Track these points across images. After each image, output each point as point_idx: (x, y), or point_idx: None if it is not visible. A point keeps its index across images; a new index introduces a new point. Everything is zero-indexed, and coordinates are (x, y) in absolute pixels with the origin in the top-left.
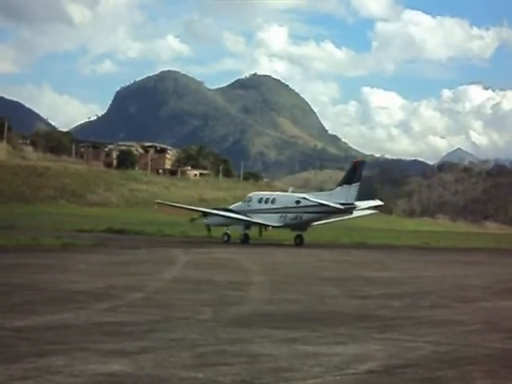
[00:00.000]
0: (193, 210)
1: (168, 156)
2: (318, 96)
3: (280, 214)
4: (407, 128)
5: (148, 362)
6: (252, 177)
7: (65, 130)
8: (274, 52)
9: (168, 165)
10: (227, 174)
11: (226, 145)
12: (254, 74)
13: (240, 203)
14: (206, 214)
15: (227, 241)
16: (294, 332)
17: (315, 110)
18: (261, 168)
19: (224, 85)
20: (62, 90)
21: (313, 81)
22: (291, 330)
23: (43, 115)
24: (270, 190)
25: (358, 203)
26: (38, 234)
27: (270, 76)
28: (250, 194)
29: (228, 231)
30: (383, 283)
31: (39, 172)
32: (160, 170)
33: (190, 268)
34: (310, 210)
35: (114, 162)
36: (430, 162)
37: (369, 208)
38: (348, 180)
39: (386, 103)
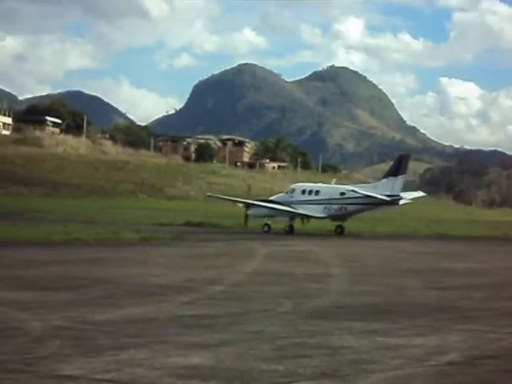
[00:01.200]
0: (239, 201)
1: (246, 149)
2: (396, 87)
3: (324, 206)
4: (486, 118)
5: (228, 354)
6: (330, 169)
7: (143, 124)
8: (350, 44)
9: (246, 158)
10: (305, 166)
11: (303, 137)
12: (332, 66)
13: (282, 194)
14: (248, 206)
15: (267, 231)
16: (374, 324)
17: (393, 101)
18: (339, 160)
19: (301, 77)
20: (140, 84)
21: (390, 72)
22: (371, 321)
23: (122, 109)
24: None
25: (402, 194)
26: (117, 227)
27: (347, 68)
28: (292, 186)
29: (268, 222)
30: (463, 274)
31: (118, 166)
32: (238, 163)
33: (268, 260)
34: (356, 201)
35: (193, 155)
36: (510, 152)
37: (413, 199)
38: (394, 172)
39: (465, 93)
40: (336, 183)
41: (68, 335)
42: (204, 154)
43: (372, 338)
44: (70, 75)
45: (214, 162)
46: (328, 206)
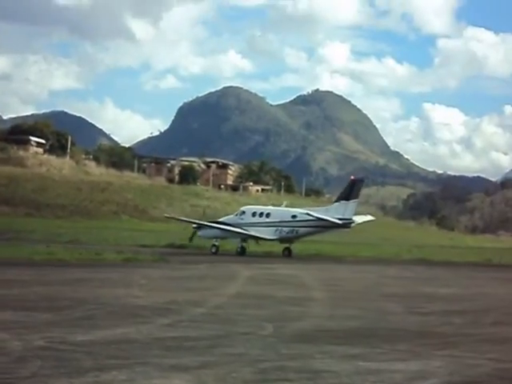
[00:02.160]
0: (193, 222)
1: (230, 172)
2: (380, 112)
3: (276, 228)
4: (469, 144)
5: (209, 377)
6: (314, 193)
7: (127, 145)
8: (335, 68)
9: (230, 180)
10: (289, 189)
11: (287, 160)
12: (316, 90)
13: (231, 216)
14: (200, 227)
15: (215, 252)
16: (355, 348)
17: (377, 126)
18: (322, 184)
19: (286, 100)
20: (125, 105)
21: (374, 97)
22: (352, 346)
23: (106, 130)
24: None
25: (354, 218)
26: (100, 248)
27: (331, 92)
28: (242, 208)
29: (216, 243)
30: (444, 300)
31: (102, 187)
32: (222, 186)
33: (251, 283)
34: (308, 224)
35: (176, 177)
36: (493, 179)
37: (363, 222)
38: (346, 196)
39: (448, 119)
40: (286, 206)
41: (49, 356)
42: (188, 176)
43: (353, 363)
44: (54, 95)
45: (198, 184)
46: (279, 228)
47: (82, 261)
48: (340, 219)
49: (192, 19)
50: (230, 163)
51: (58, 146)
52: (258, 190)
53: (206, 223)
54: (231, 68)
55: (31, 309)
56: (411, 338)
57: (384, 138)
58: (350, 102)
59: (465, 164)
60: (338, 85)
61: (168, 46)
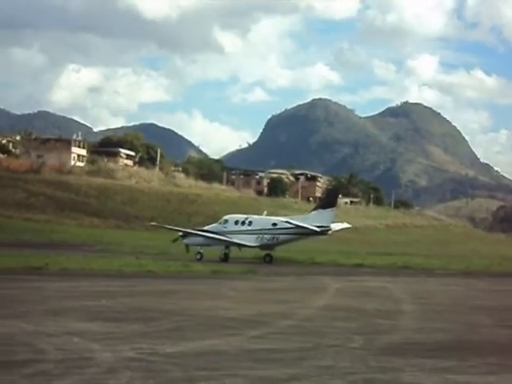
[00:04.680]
0: (177, 230)
1: (318, 184)
2: (469, 124)
3: (257, 235)
4: None
5: None
6: (403, 205)
7: (216, 157)
8: (424, 80)
9: (318, 192)
10: (378, 202)
11: (376, 173)
12: (405, 102)
13: (215, 225)
14: (185, 235)
15: (200, 259)
16: (445, 361)
17: (466, 138)
18: (411, 196)
19: (375, 113)
20: (213, 117)
21: (463, 109)
22: (442, 359)
23: (195, 142)
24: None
25: (331, 225)
26: (188, 260)
27: (420, 104)
28: (225, 217)
29: (201, 250)
30: None
31: (191, 199)
32: (310, 198)
33: (339, 295)
34: (287, 231)
35: (265, 189)
36: None
37: (340, 230)
38: (323, 205)
39: None
40: (267, 215)
41: (139, 367)
42: (276, 188)
43: (443, 376)
44: (143, 108)
45: (287, 196)
46: (260, 235)
47: (170, 273)
48: (318, 227)
49: (280, 32)
50: (319, 175)
51: (147, 158)
52: (346, 203)
53: (191, 231)
54: (319, 80)
55: (120, 320)
56: (501, 351)
57: (473, 150)
58: (439, 114)
59: None
60: (426, 97)
61: (256, 59)
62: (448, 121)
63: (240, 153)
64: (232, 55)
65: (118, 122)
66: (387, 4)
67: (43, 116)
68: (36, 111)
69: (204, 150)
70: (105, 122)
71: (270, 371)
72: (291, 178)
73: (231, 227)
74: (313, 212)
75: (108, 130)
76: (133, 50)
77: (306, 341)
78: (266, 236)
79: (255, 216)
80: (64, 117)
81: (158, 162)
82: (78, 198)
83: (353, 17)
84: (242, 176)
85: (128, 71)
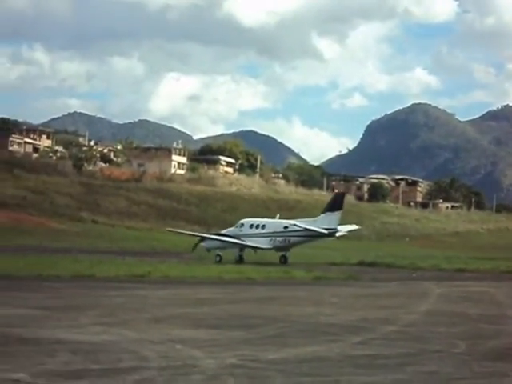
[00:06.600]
0: (196, 235)
1: (419, 189)
2: None
3: (270, 238)
4: None
5: None
6: (505, 209)
7: (316, 163)
8: None
9: (419, 197)
10: (479, 206)
11: (477, 177)
12: (506, 106)
13: (232, 228)
14: (203, 239)
15: (219, 261)
16: None
17: None
18: None
19: (475, 116)
20: (313, 123)
21: None
22: None
23: (294, 149)
24: None
25: (338, 227)
26: (289, 267)
27: None
28: (241, 221)
29: (220, 253)
30: None
31: (290, 205)
32: (411, 203)
33: (442, 301)
34: (297, 234)
35: (365, 194)
36: None
37: (348, 231)
38: (330, 209)
39: None
40: (280, 218)
41: (242, 373)
42: (377, 193)
43: None
44: (243, 115)
45: (387, 201)
46: (273, 238)
47: (270, 279)
48: (326, 229)
49: (378, 37)
50: (420, 180)
51: (247, 166)
52: (447, 207)
53: (208, 236)
54: (418, 85)
55: (222, 327)
56: None
57: None
58: None
59: None
60: None
61: (354, 64)
62: None
63: (340, 158)
64: (330, 61)
65: (217, 130)
66: (486, 6)
67: (144, 125)
68: (137, 120)
69: (304, 156)
70: (204, 129)
71: (373, 377)
72: (391, 183)
73: (246, 230)
74: (321, 215)
75: (208, 137)
76: (231, 58)
77: (409, 346)
78: (278, 238)
79: (269, 219)
80: (164, 125)
81: (258, 169)
82: (179, 205)
83: (451, 20)
84: (342, 182)
85: (227, 79)
